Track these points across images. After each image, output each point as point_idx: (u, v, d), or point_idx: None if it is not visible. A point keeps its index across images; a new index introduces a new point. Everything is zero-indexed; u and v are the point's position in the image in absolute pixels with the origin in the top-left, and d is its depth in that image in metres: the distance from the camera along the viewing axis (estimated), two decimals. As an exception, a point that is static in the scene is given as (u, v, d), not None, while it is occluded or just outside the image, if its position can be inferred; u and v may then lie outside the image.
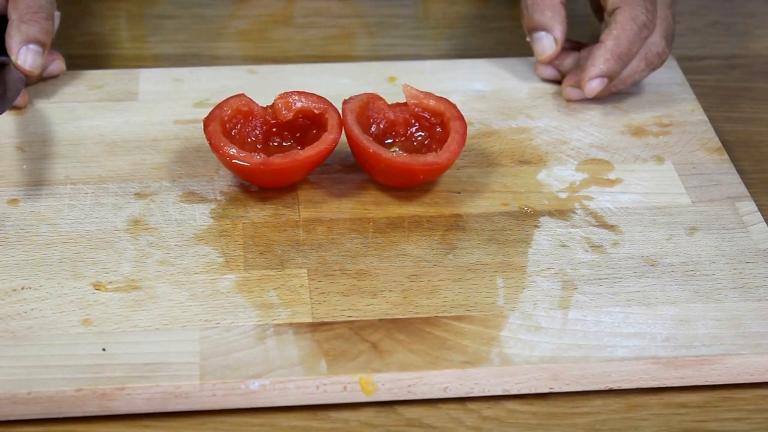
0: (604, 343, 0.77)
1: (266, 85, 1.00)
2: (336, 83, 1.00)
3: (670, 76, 1.03)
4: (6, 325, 0.77)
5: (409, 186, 0.89)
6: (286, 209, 0.87)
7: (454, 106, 0.90)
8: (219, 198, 0.88)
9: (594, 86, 0.96)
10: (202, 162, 0.91)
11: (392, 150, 0.90)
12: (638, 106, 0.99)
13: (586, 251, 0.84)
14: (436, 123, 0.91)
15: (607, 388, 0.77)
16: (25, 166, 0.91)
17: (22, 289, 0.80)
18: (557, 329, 0.78)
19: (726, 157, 0.94)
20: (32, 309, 0.78)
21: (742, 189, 0.90)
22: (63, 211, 0.86)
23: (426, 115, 0.91)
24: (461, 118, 0.89)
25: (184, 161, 0.92)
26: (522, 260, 0.84)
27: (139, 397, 0.73)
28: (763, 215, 0.88)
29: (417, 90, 0.91)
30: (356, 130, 0.87)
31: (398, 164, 0.86)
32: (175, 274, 0.81)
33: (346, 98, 0.90)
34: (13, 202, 0.87)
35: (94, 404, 0.73)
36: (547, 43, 0.98)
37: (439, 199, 0.89)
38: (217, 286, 0.81)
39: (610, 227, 0.87)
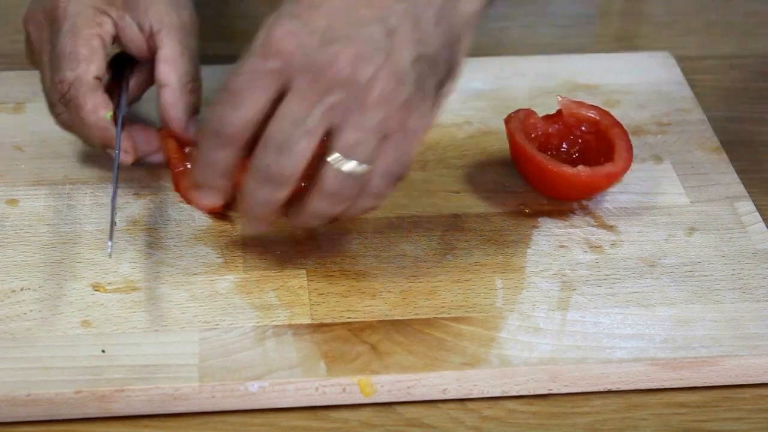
0: (603, 345, 0.77)
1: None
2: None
3: (668, 75, 1.03)
4: (5, 326, 0.77)
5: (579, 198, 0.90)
6: (285, 209, 0.87)
7: (607, 113, 0.90)
8: (218, 198, 0.88)
9: (198, 199, 0.81)
10: (201, 162, 0.91)
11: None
12: (637, 105, 0.99)
13: (585, 252, 0.84)
14: (590, 132, 0.91)
15: (606, 389, 0.77)
16: (23, 166, 0.91)
17: (21, 290, 0.80)
18: (556, 330, 0.78)
19: (724, 156, 0.94)
20: (31, 310, 0.78)
21: (740, 189, 0.90)
22: (62, 211, 0.86)
23: (582, 126, 0.91)
24: (619, 124, 0.90)
25: (183, 161, 0.92)
26: (521, 261, 0.84)
27: (138, 399, 0.73)
28: (762, 215, 0.88)
29: (571, 100, 0.91)
30: (530, 149, 0.87)
31: (584, 179, 0.86)
32: (174, 275, 0.81)
33: (506, 116, 0.90)
34: (13, 202, 0.87)
35: (94, 406, 0.73)
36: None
37: (438, 199, 0.88)
38: (216, 287, 0.81)
39: (609, 227, 0.87)
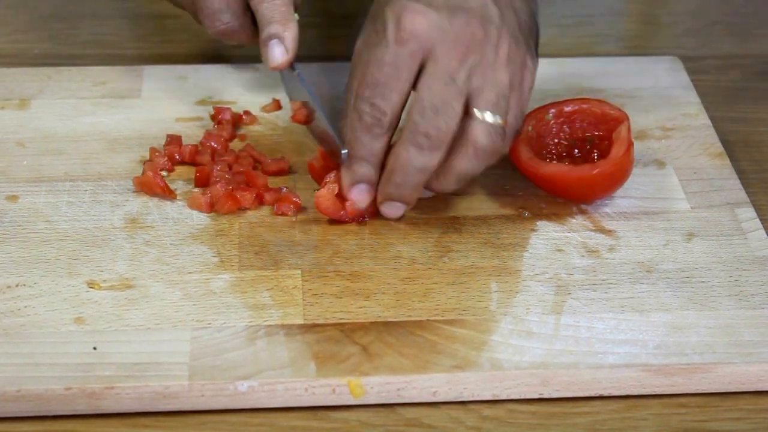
0: (595, 350, 0.77)
1: (270, 84, 1.00)
2: (340, 83, 1.00)
3: (675, 79, 1.02)
4: (-1, 322, 0.77)
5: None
6: (284, 209, 0.87)
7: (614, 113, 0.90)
8: (217, 197, 0.88)
9: (356, 196, 0.85)
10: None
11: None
12: (641, 109, 0.99)
13: (582, 256, 0.84)
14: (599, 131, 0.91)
15: (597, 395, 0.76)
16: (25, 162, 0.91)
17: (17, 286, 0.80)
18: (549, 335, 0.78)
19: (728, 162, 0.93)
20: (25, 306, 0.79)
21: (742, 195, 0.90)
22: (61, 208, 0.87)
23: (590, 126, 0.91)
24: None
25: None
26: (517, 264, 0.83)
27: (127, 397, 0.74)
28: (761, 215, 0.88)
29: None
30: (526, 155, 0.87)
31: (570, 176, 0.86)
32: (169, 273, 0.81)
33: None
34: (13, 198, 0.88)
35: (83, 403, 0.74)
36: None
37: (437, 200, 0.88)
38: (210, 286, 0.81)
39: (608, 232, 0.86)
